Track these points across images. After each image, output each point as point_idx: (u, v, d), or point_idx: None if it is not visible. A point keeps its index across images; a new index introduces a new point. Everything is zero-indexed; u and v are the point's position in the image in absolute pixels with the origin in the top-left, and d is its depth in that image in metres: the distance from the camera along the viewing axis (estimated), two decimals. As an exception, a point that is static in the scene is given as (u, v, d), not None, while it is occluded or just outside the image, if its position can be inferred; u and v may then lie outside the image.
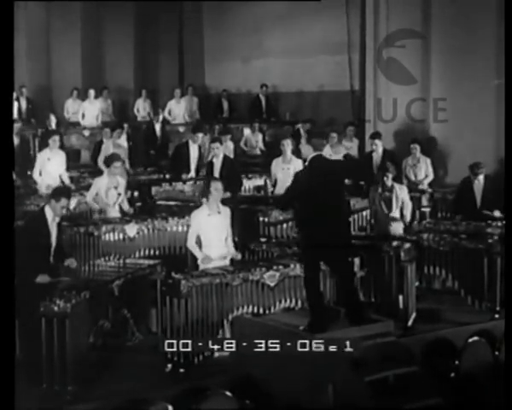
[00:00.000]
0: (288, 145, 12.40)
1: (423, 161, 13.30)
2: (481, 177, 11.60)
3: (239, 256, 9.19)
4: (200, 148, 13.58)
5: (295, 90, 18.80)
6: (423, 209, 12.44)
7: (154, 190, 12.71)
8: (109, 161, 11.25)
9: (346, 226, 8.68)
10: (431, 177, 13.30)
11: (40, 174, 12.85)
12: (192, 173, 13.27)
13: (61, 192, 8.72)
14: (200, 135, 13.83)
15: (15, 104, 17.14)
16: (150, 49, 20.54)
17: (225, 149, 13.54)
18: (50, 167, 12.86)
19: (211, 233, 9.05)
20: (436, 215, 12.37)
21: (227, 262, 9.05)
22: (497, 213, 11.06)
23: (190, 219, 9.31)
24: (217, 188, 9.05)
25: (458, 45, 13.63)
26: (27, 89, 18.25)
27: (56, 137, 13.14)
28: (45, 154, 13.02)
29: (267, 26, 19.01)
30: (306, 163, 8.46)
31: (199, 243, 9.09)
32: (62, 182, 12.92)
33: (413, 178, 13.13)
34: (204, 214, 9.10)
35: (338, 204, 8.31)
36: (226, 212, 9.19)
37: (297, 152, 13.16)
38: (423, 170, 13.27)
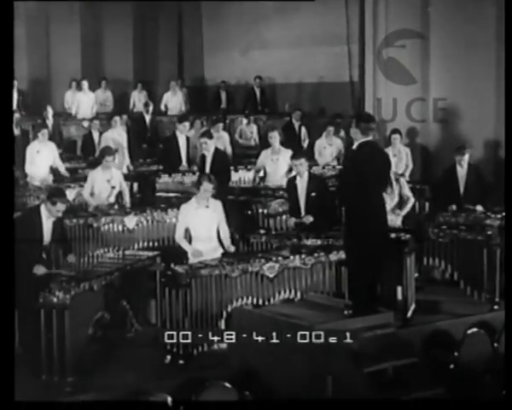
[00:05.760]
0: (275, 137, 12.42)
1: (403, 152, 13.29)
2: (466, 158, 11.49)
3: (231, 249, 9.16)
4: (187, 138, 13.55)
5: (294, 82, 18.78)
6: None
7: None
8: (101, 155, 11.26)
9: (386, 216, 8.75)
10: (410, 167, 13.26)
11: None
12: (184, 164, 13.24)
13: (57, 195, 8.59)
14: (187, 124, 13.79)
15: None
16: (149, 41, 20.49)
17: (219, 139, 13.38)
18: (40, 160, 12.84)
19: (199, 227, 9.11)
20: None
21: (218, 256, 9.02)
22: (479, 208, 10.98)
23: (179, 213, 9.35)
24: (206, 189, 9.08)
25: (458, 45, 13.60)
26: (19, 81, 18.12)
27: (45, 131, 13.14)
28: (34, 146, 12.98)
29: (266, 17, 18.98)
30: (354, 147, 8.44)
31: (188, 236, 9.12)
32: (58, 173, 12.93)
33: (394, 168, 13.05)
34: (192, 208, 9.17)
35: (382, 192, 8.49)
36: (216, 205, 9.20)
37: (286, 143, 13.20)
38: (404, 161, 13.25)
